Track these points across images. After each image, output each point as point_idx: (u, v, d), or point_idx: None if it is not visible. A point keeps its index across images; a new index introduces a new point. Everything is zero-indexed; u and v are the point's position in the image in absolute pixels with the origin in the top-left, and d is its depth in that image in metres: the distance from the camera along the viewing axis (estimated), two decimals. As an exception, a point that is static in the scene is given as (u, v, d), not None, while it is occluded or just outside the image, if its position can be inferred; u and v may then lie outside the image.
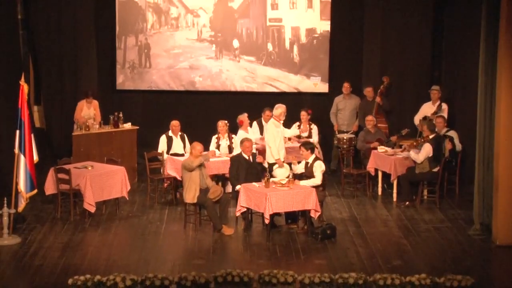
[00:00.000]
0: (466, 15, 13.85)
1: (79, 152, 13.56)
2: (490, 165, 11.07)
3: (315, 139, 14.07)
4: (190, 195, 11.34)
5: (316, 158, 11.67)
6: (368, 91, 14.65)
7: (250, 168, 11.91)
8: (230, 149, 13.23)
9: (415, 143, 12.80)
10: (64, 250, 10.53)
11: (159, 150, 13.28)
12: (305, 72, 15.82)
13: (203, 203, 11.29)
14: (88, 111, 14.10)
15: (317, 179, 11.47)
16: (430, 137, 12.75)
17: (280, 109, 12.84)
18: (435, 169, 12.70)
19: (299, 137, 14.11)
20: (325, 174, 11.73)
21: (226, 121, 13.41)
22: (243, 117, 13.71)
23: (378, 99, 14.48)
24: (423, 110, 14.19)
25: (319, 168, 11.53)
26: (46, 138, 14.81)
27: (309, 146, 11.74)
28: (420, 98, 14.42)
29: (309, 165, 11.62)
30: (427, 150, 12.62)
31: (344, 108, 14.93)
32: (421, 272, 9.42)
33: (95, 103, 14.25)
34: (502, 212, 10.82)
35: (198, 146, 11.54)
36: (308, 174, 11.59)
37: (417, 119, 14.22)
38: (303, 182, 11.40)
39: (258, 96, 15.63)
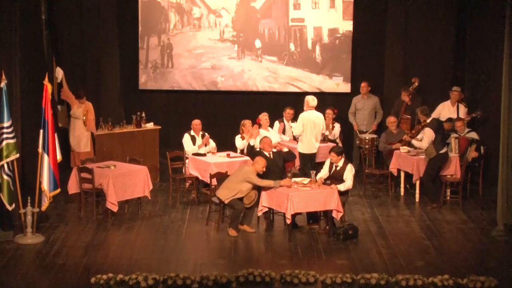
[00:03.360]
0: (489, 15, 13.76)
1: (102, 152, 13.64)
2: (514, 166, 11.00)
3: (336, 133, 14.13)
4: (225, 193, 11.30)
5: (347, 162, 11.58)
6: (403, 95, 14.56)
7: (271, 165, 11.89)
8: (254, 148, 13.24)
9: (413, 131, 12.80)
10: (86, 249, 10.59)
11: (187, 149, 13.25)
12: (327, 72, 15.78)
13: (234, 205, 11.27)
14: (77, 110, 13.91)
15: (349, 182, 11.38)
16: (428, 121, 12.71)
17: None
18: (443, 151, 12.60)
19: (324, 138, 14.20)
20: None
21: (250, 121, 13.42)
22: (262, 116, 13.75)
23: (407, 99, 14.45)
24: (439, 109, 14.10)
25: (351, 172, 11.44)
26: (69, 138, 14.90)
27: (340, 151, 11.66)
28: (443, 98, 14.33)
29: (338, 168, 11.52)
30: (428, 134, 12.57)
31: (362, 108, 14.91)
32: (443, 273, 9.39)
33: (88, 105, 13.98)
34: (526, 213, 10.75)
35: (262, 161, 11.39)
36: (336, 176, 11.51)
37: None
38: (340, 186, 11.30)
39: (280, 96, 15.63)
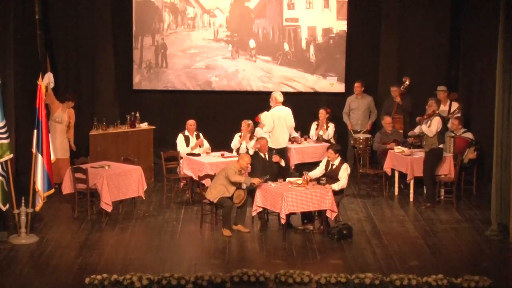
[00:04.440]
0: (483, 14, 13.78)
1: (96, 152, 13.62)
2: (508, 165, 11.01)
3: (330, 133, 14.12)
4: (212, 193, 11.32)
5: (343, 161, 11.59)
6: (394, 91, 14.55)
7: (266, 167, 11.89)
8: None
9: (425, 116, 12.78)
10: (81, 249, 10.58)
11: (180, 149, 13.26)
12: (322, 72, 15.79)
13: (223, 203, 11.28)
14: (61, 115, 13.52)
15: (343, 181, 11.37)
16: (437, 111, 12.73)
17: None
18: (440, 146, 12.62)
19: (318, 138, 14.17)
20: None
21: (250, 122, 13.37)
22: (262, 115, 13.74)
23: (398, 99, 14.44)
24: None
25: (346, 171, 11.44)
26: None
27: (337, 149, 11.65)
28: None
29: (334, 167, 11.53)
30: (437, 123, 12.59)
31: (356, 108, 14.89)
32: (438, 273, 9.40)
33: (72, 111, 13.68)
34: (520, 212, 10.76)
35: (246, 158, 11.45)
36: (330, 175, 11.52)
37: None
38: (334, 186, 11.30)
39: (275, 96, 15.62)
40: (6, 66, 11.49)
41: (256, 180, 11.22)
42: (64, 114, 13.63)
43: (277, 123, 13.13)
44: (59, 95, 14.72)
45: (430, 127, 12.62)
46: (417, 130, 13.07)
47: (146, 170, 13.08)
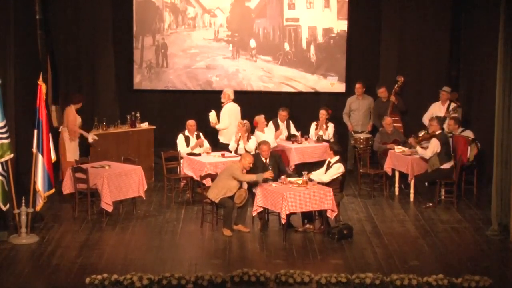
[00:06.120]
0: (484, 13, 13.78)
1: (96, 152, 13.61)
2: (509, 165, 11.01)
3: (330, 133, 14.10)
4: (214, 192, 11.31)
5: (338, 161, 11.61)
6: (382, 92, 14.58)
7: (265, 171, 11.84)
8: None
9: (420, 138, 12.77)
10: (81, 249, 10.58)
11: (180, 149, 13.26)
12: (322, 72, 15.79)
13: (224, 203, 11.27)
14: (79, 118, 13.45)
15: (326, 177, 11.43)
16: (437, 132, 12.71)
17: None
18: (445, 166, 12.60)
19: (318, 138, 14.15)
20: (344, 177, 11.66)
21: (245, 121, 13.38)
22: (259, 118, 13.72)
23: (393, 98, 14.43)
24: (431, 109, 14.11)
25: (335, 170, 11.46)
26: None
27: (336, 149, 11.66)
28: (437, 98, 14.34)
29: (330, 164, 11.58)
30: (434, 145, 12.57)
31: (357, 109, 14.86)
32: (438, 273, 9.40)
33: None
34: (520, 212, 10.76)
35: (248, 157, 11.44)
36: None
37: (426, 118, 14.12)
38: (314, 174, 11.45)
39: (275, 96, 15.63)
40: (6, 66, 11.49)
41: (268, 174, 11.26)
42: (78, 116, 13.48)
43: (232, 120, 13.74)
44: (60, 95, 14.77)
45: (427, 150, 12.61)
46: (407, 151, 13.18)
47: (146, 170, 13.08)
